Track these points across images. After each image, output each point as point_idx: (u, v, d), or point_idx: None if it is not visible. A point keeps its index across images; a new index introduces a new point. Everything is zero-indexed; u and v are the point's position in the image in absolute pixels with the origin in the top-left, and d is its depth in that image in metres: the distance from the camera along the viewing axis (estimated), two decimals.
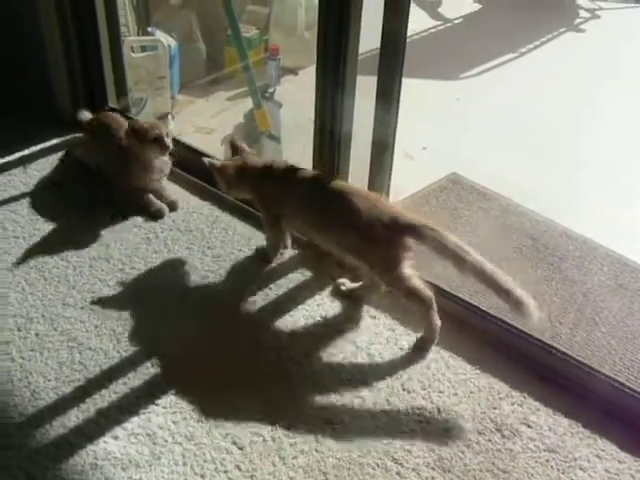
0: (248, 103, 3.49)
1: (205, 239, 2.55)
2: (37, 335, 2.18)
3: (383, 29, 2.14)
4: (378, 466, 1.84)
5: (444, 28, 4.93)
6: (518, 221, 2.84)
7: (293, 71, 4.11)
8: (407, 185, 2.95)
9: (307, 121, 3.19)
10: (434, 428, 1.94)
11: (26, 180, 2.86)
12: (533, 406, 2.01)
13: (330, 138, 2.35)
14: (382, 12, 2.11)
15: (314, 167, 2.41)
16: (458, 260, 2.01)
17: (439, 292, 2.24)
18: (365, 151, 2.41)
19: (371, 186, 2.41)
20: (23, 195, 2.78)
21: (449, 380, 2.07)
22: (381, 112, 2.29)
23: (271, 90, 3.62)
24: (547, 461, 1.88)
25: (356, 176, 2.44)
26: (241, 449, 1.87)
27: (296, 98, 3.77)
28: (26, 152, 3.02)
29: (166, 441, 1.88)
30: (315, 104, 2.35)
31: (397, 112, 2.31)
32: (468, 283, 2.42)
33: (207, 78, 3.95)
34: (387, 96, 2.25)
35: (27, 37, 3.11)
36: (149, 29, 3.63)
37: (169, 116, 3.32)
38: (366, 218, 2.09)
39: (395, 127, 2.35)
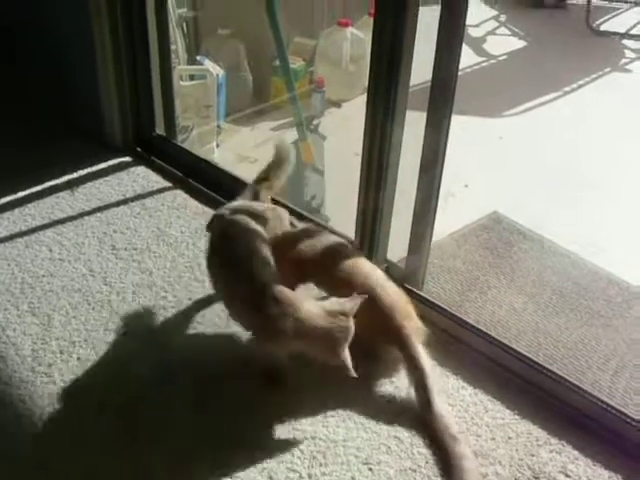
0: (292, 135, 3.53)
1: None
2: (79, 359, 2.21)
3: (435, 65, 2.14)
4: None
5: (488, 65, 4.94)
6: (559, 263, 2.82)
7: (337, 104, 4.15)
8: (448, 223, 2.95)
9: (350, 154, 3.23)
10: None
11: (73, 203, 2.92)
12: (572, 455, 1.99)
13: (377, 172, 2.35)
14: (434, 49, 2.12)
15: (359, 201, 2.41)
16: None
17: (474, 331, 2.24)
18: (411, 188, 2.41)
19: (415, 224, 2.40)
20: (70, 218, 2.83)
21: (487, 424, 2.06)
22: (429, 147, 2.28)
23: (316, 122, 3.66)
24: None
25: (400, 212, 2.44)
26: None
27: (340, 131, 3.81)
28: (74, 175, 3.08)
29: (201, 475, 1.89)
30: (364, 137, 2.34)
31: (445, 148, 2.30)
32: (506, 319, 2.43)
33: (253, 108, 4.01)
34: (436, 131, 2.25)
35: (79, 62, 3.18)
36: (197, 58, 3.70)
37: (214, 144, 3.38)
38: None
39: (443, 163, 2.34)
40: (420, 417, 2.04)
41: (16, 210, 2.88)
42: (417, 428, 2.03)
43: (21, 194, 2.97)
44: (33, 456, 1.94)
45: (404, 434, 2.01)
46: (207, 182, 3.01)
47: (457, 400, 2.12)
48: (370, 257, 2.45)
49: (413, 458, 1.95)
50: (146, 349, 2.25)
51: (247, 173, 3.08)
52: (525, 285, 2.66)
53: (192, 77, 3.54)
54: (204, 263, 2.53)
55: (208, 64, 3.59)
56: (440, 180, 2.33)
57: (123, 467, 1.91)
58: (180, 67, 3.52)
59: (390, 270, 2.46)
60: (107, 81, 3.11)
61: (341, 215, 2.90)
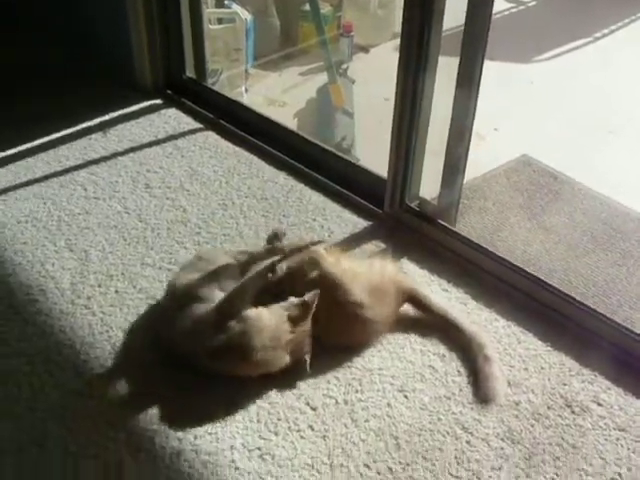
0: (320, 79, 3.52)
1: (280, 207, 2.59)
2: (117, 292, 2.25)
3: (468, 11, 2.13)
4: (448, 433, 1.86)
5: (517, 11, 4.88)
6: (590, 205, 2.81)
7: (364, 49, 4.13)
8: (478, 165, 2.95)
9: (379, 98, 3.22)
10: (504, 401, 1.95)
11: (105, 144, 2.94)
12: (604, 385, 2.01)
13: (410, 114, 2.35)
14: None
15: (392, 140, 2.41)
16: None
17: (507, 266, 2.26)
18: (443, 129, 2.40)
19: (447, 164, 2.40)
20: (103, 159, 2.86)
21: (520, 355, 2.08)
22: (461, 92, 2.28)
23: (344, 67, 3.64)
24: (617, 439, 1.87)
25: (432, 154, 2.44)
26: (314, 410, 1.91)
27: (368, 75, 3.79)
28: (106, 118, 3.10)
29: (242, 398, 1.94)
30: (397, 80, 2.33)
31: (477, 92, 2.29)
32: (537, 257, 2.44)
33: (280, 53, 4.00)
34: (468, 77, 2.24)
35: (110, 5, 3.18)
36: (225, 2, 3.68)
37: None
38: None
39: (475, 108, 2.33)
40: (454, 338, 2.09)
41: (50, 151, 2.91)
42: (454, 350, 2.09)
43: (54, 136, 2.99)
44: (74, 383, 1.99)
45: (438, 363, 2.04)
46: (238, 123, 3.01)
47: (490, 332, 2.14)
48: (402, 194, 2.46)
49: (447, 386, 1.98)
50: None
51: (276, 116, 3.12)
52: (555, 226, 2.66)
53: (220, 21, 3.53)
54: (237, 201, 2.58)
55: (236, 8, 3.57)
56: (473, 121, 2.32)
57: (168, 394, 1.96)
58: (209, 10, 3.50)
59: (422, 207, 2.47)
60: (138, 24, 3.10)
61: (372, 155, 2.90)
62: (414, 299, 2.15)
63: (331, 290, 2.01)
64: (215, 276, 2.07)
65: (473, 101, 2.28)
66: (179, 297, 2.04)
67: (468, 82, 2.23)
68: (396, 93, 2.35)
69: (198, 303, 1.98)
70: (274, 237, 2.31)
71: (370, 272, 2.10)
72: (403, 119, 2.36)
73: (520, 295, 2.24)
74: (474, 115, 2.31)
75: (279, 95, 3.65)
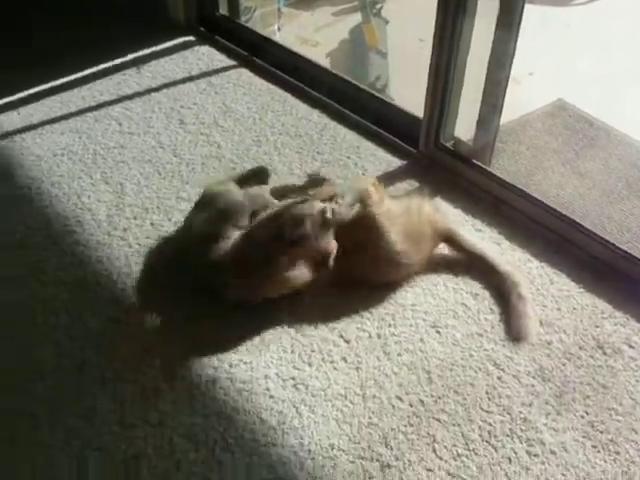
0: (353, 19, 3.48)
1: (314, 144, 2.59)
2: (152, 224, 2.28)
3: None
4: (480, 369, 1.88)
5: None
6: (626, 151, 2.78)
7: None
8: (512, 109, 2.92)
9: (413, 39, 3.18)
10: (536, 339, 1.96)
11: (139, 80, 2.94)
12: (636, 327, 2.01)
13: (448, 56, 2.32)
14: None
15: (429, 80, 2.39)
16: None
17: (542, 207, 2.25)
18: (481, 71, 2.37)
19: (482, 109, 2.38)
20: (137, 94, 2.86)
21: (552, 295, 2.08)
22: (501, 34, 2.25)
23: (378, 6, 3.59)
24: None
25: (469, 94, 2.42)
26: (347, 342, 1.94)
27: (402, 16, 3.74)
28: (139, 54, 3.10)
29: (275, 329, 1.97)
30: (435, 21, 2.30)
31: (517, 34, 2.25)
32: (571, 202, 2.43)
33: None
34: (508, 19, 2.20)
35: None
36: None
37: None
38: None
39: (514, 50, 2.30)
40: (489, 277, 2.10)
41: (84, 87, 2.92)
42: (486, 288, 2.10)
43: (88, 71, 3.00)
44: (111, 311, 2.03)
45: (471, 301, 2.05)
46: (271, 61, 3.00)
47: (524, 272, 2.14)
48: (438, 134, 2.45)
49: (479, 323, 2.00)
50: None
51: (309, 55, 3.09)
52: (590, 172, 2.64)
53: None
54: (271, 138, 2.58)
55: None
56: (511, 64, 2.29)
57: (203, 324, 1.99)
58: None
59: (457, 147, 2.46)
60: None
61: (405, 96, 2.88)
62: (450, 239, 2.16)
63: (370, 231, 2.02)
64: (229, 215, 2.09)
65: (512, 43, 2.24)
66: (199, 234, 2.06)
67: (508, 24, 2.20)
68: (434, 33, 2.32)
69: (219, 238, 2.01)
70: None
71: (409, 213, 2.09)
72: (441, 59, 2.33)
73: (554, 236, 2.24)
74: (513, 58, 2.28)
75: (311, 34, 3.62)
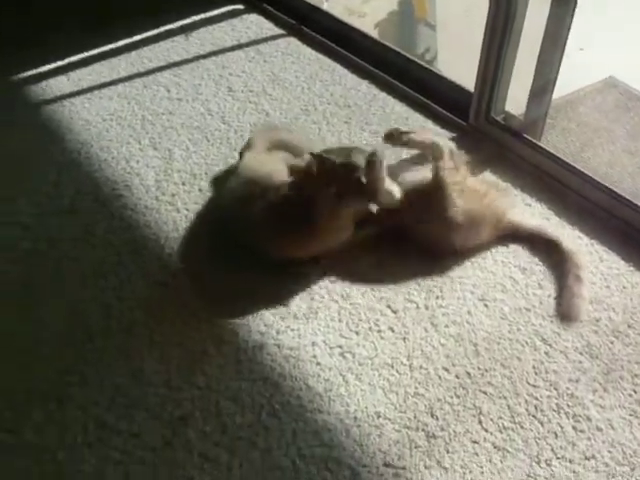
0: None
1: (363, 115, 2.58)
2: (200, 190, 2.29)
3: None
4: (527, 344, 1.87)
5: None
6: None
7: None
8: (562, 85, 2.87)
9: (460, 11, 3.13)
10: (584, 316, 1.94)
11: (188, 47, 2.94)
12: None
13: (503, 27, 2.29)
14: None
15: (482, 52, 2.36)
16: None
17: (592, 183, 2.22)
18: (535, 44, 2.33)
19: (535, 83, 2.35)
20: (185, 61, 2.86)
21: (602, 273, 2.06)
22: (557, 6, 2.20)
23: None
24: None
25: (521, 72, 2.38)
26: (395, 312, 1.94)
27: None
28: (188, 21, 3.10)
29: (323, 298, 1.97)
30: None
31: (574, 7, 2.21)
32: (620, 180, 2.39)
33: None
34: None
35: None
36: None
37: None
38: None
39: (570, 23, 2.25)
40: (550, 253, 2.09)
41: (133, 52, 2.93)
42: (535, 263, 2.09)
43: (137, 37, 3.01)
44: (159, 275, 2.05)
45: (519, 275, 2.04)
46: (320, 30, 2.98)
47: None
48: (489, 107, 2.42)
49: (528, 298, 1.98)
50: None
51: (358, 25, 3.07)
52: None
53: None
54: (320, 107, 2.57)
55: None
56: (567, 38, 2.25)
57: (250, 290, 2.00)
58: None
59: (508, 121, 2.43)
60: None
61: (454, 68, 2.85)
62: (514, 233, 2.14)
63: (434, 193, 2.02)
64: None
65: (569, 17, 2.20)
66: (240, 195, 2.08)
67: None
68: (489, 5, 2.28)
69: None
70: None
71: (480, 197, 2.08)
72: (495, 30, 2.30)
73: (604, 214, 2.21)
74: (569, 32, 2.24)
75: (359, 5, 3.58)
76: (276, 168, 2.11)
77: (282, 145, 2.30)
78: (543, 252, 2.10)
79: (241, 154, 2.28)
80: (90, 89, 2.72)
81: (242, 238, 2.04)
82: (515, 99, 2.45)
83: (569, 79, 2.95)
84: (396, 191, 2.00)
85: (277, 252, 2.01)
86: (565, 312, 1.95)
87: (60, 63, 2.85)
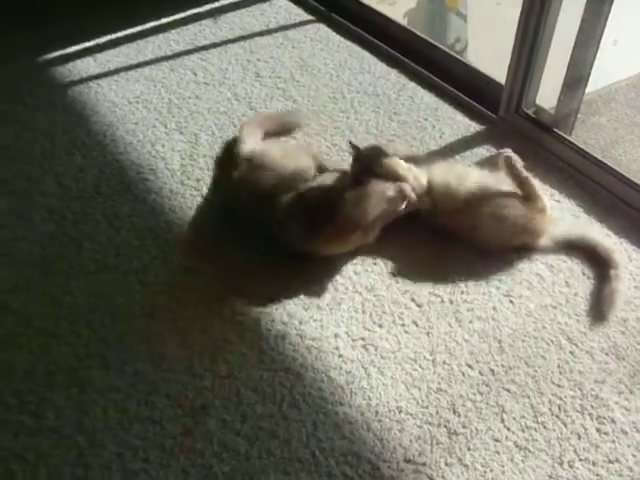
0: None
1: (392, 104, 2.55)
2: None
3: None
4: (552, 342, 1.84)
5: None
6: None
7: None
8: (594, 79, 2.82)
9: (490, 2, 3.09)
10: (611, 316, 1.91)
11: (216, 31, 2.92)
12: None
13: (537, 20, 2.25)
14: None
15: (515, 45, 2.32)
16: None
17: (623, 180, 2.19)
18: (569, 37, 2.29)
19: (568, 77, 2.31)
20: (213, 45, 2.85)
21: (630, 273, 2.02)
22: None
23: None
24: None
25: (554, 65, 2.34)
26: (419, 306, 1.91)
27: None
28: (216, 5, 3.08)
29: (347, 289, 1.95)
30: None
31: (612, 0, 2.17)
32: None
33: None
34: None
35: None
36: None
37: None
38: None
39: (607, 15, 2.21)
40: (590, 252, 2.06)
41: (160, 35, 2.91)
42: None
43: (165, 20, 2.99)
44: (183, 260, 2.04)
45: (546, 273, 2.01)
46: (349, 17, 2.96)
47: None
48: (520, 100, 2.39)
49: (554, 296, 1.95)
50: None
51: (388, 13, 3.03)
52: None
53: None
54: (348, 95, 2.55)
55: None
56: (603, 30, 2.21)
57: (270, 276, 1.99)
58: None
59: (539, 115, 2.39)
60: None
61: (483, 60, 2.81)
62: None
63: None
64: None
65: (606, 8, 2.16)
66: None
67: None
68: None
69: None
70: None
71: (519, 208, 2.03)
72: (529, 23, 2.26)
73: (634, 213, 2.17)
74: (605, 25, 2.21)
75: None
76: (304, 162, 2.12)
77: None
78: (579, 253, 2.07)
79: (228, 149, 2.31)
80: (117, 71, 2.71)
81: (264, 230, 2.03)
82: (547, 93, 2.41)
83: (602, 73, 2.91)
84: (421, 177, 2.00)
85: (308, 248, 1.98)
86: (600, 309, 1.92)
87: (87, 44, 2.84)
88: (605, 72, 2.92)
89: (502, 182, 2.07)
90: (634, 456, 1.63)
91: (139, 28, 2.94)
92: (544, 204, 2.03)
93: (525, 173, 2.05)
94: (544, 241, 2.05)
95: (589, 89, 2.73)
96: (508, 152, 2.09)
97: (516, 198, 2.04)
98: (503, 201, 2.03)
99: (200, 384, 1.74)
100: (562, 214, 2.17)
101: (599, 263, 2.02)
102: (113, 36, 2.89)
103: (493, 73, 2.55)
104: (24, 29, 2.85)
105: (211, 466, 1.60)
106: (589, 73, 2.31)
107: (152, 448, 1.63)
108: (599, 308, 1.92)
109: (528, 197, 2.03)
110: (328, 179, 2.05)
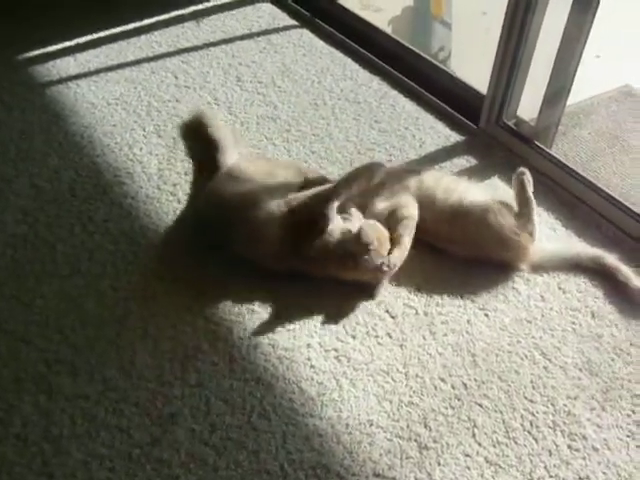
0: None
1: (372, 112, 2.54)
2: None
3: None
4: (526, 357, 1.83)
5: None
6: None
7: None
8: (576, 92, 2.82)
9: (476, 12, 3.08)
10: (586, 332, 1.90)
11: (198, 34, 2.90)
12: None
13: (519, 31, 2.24)
14: None
15: (497, 55, 2.31)
16: None
17: (601, 194, 2.20)
18: (551, 49, 2.29)
19: (549, 89, 2.30)
20: (195, 48, 2.83)
21: (605, 287, 2.02)
22: (577, 10, 2.16)
23: None
24: None
25: (535, 77, 2.34)
26: (393, 318, 1.90)
27: None
28: (199, 7, 3.06)
29: (320, 299, 1.93)
30: None
31: (594, 14, 2.16)
32: (630, 193, 2.35)
33: None
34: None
35: None
36: None
37: None
38: None
39: (589, 30, 2.21)
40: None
41: (142, 36, 2.89)
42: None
43: (147, 21, 2.97)
44: (157, 267, 2.01)
45: (522, 286, 2.00)
46: (334, 23, 2.94)
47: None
48: (500, 111, 2.38)
49: (529, 310, 1.94)
50: None
51: (373, 20, 3.02)
52: None
53: None
54: (329, 102, 2.53)
55: None
56: (585, 43, 2.21)
57: (248, 289, 1.96)
58: None
59: (520, 126, 2.39)
60: None
61: (468, 69, 2.80)
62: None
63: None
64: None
65: (588, 24, 2.17)
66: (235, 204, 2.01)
67: (585, 2, 2.12)
68: (507, 6, 2.24)
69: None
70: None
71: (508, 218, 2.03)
72: (512, 33, 2.26)
73: (612, 228, 2.17)
74: (587, 38, 2.21)
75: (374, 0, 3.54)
76: (288, 177, 2.08)
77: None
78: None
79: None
80: (97, 72, 2.69)
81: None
82: (528, 104, 2.40)
83: (584, 86, 2.91)
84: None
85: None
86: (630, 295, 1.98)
87: (68, 44, 2.81)
88: (587, 85, 2.93)
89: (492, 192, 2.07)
90: (604, 473, 1.63)
91: (121, 28, 2.92)
92: (534, 228, 2.02)
93: (530, 194, 2.04)
94: (523, 266, 2.04)
95: (571, 101, 2.73)
96: (525, 170, 2.07)
97: (509, 210, 2.03)
98: (495, 206, 2.02)
99: (170, 392, 1.72)
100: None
101: (597, 273, 2.04)
102: (94, 36, 2.86)
103: (477, 83, 2.54)
104: (3, 25, 2.82)
105: (178, 476, 1.58)
106: (571, 85, 2.32)
107: (118, 457, 1.61)
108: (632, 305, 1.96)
109: (522, 216, 2.03)
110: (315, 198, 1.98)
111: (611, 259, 2.03)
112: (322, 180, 2.06)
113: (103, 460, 1.60)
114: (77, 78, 2.64)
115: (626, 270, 2.00)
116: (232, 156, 2.20)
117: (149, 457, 1.61)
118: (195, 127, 2.39)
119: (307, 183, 2.04)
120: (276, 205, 1.95)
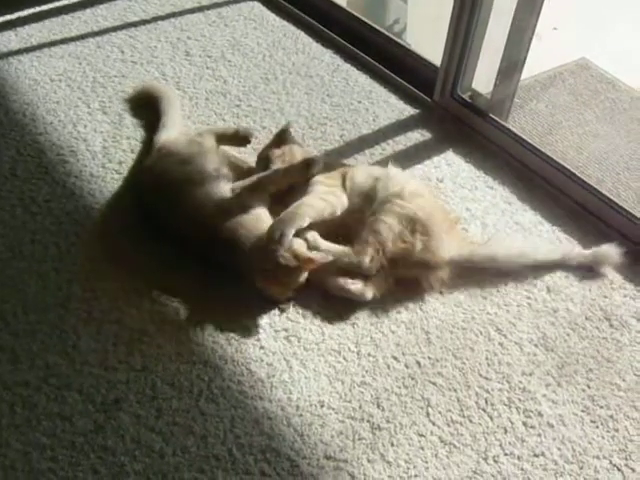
0: None
1: (325, 86, 2.49)
2: None
3: None
4: (481, 334, 1.80)
5: None
6: None
7: None
8: (533, 65, 2.80)
9: None
10: (541, 306, 1.88)
11: (146, 7, 2.82)
12: None
13: (471, 5, 2.19)
14: None
15: (450, 26, 2.26)
16: None
17: (557, 167, 2.17)
18: (505, 22, 2.24)
19: (503, 61, 2.26)
20: (142, 22, 2.74)
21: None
22: None
23: None
24: None
25: (489, 50, 2.29)
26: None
27: None
28: None
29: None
30: None
31: None
32: (586, 165, 2.33)
33: None
34: None
35: None
36: None
37: None
38: None
39: (542, 1, 2.17)
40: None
41: (87, 10, 2.80)
42: None
43: None
44: (102, 248, 1.95)
45: None
46: None
47: (534, 235, 2.06)
48: (455, 84, 2.34)
49: (484, 286, 1.90)
50: None
51: None
52: (609, 134, 2.54)
53: None
54: (281, 76, 2.47)
55: None
56: (538, 16, 2.18)
57: (189, 266, 1.89)
58: None
59: (474, 99, 2.35)
60: None
61: (423, 42, 2.76)
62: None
63: None
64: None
65: None
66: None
67: None
68: None
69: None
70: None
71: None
72: (464, 5, 2.21)
73: (567, 200, 2.15)
74: (540, 9, 2.17)
75: None
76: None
77: None
78: None
79: None
80: (40, 47, 2.59)
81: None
82: (483, 77, 2.36)
83: (541, 59, 2.88)
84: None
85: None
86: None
87: (8, 17, 2.71)
88: (544, 58, 2.90)
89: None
90: (559, 449, 1.61)
91: (65, 2, 2.82)
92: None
93: None
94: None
95: (528, 75, 2.71)
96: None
97: None
98: None
99: (114, 377, 1.67)
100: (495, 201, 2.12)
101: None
102: (37, 9, 2.77)
103: (433, 56, 2.49)
104: None
105: (123, 464, 1.53)
106: (525, 58, 2.28)
107: (61, 446, 1.55)
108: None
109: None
110: None
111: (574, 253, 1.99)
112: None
113: (44, 450, 1.54)
114: (18, 53, 2.55)
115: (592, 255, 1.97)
116: (171, 133, 2.13)
117: (93, 445, 1.55)
118: (145, 100, 2.31)
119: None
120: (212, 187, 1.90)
